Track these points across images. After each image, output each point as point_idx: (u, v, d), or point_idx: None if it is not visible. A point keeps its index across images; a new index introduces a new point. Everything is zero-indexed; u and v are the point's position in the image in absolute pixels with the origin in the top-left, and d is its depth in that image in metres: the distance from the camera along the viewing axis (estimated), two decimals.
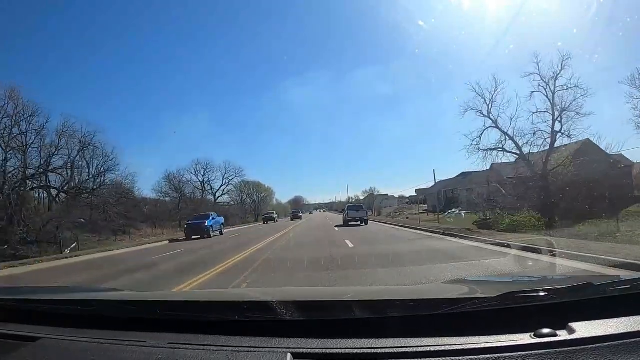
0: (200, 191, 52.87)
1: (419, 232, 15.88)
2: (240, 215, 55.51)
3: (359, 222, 24.08)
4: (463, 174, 39.19)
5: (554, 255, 6.51)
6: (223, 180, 56.35)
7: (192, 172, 51.58)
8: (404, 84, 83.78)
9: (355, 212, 25.18)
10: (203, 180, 53.72)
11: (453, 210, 27.81)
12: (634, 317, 1.00)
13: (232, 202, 61.10)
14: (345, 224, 24.36)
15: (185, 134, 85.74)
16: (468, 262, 7.01)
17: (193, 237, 21.78)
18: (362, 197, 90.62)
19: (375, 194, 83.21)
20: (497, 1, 27.05)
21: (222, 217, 28.20)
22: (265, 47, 77.93)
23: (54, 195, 27.94)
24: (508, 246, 8.35)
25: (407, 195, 79.21)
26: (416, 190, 56.86)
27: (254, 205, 70.54)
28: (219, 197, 55.64)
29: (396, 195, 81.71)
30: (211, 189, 55.01)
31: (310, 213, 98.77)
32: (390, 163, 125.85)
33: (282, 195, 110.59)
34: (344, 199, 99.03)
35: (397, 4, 36.01)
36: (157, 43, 63.16)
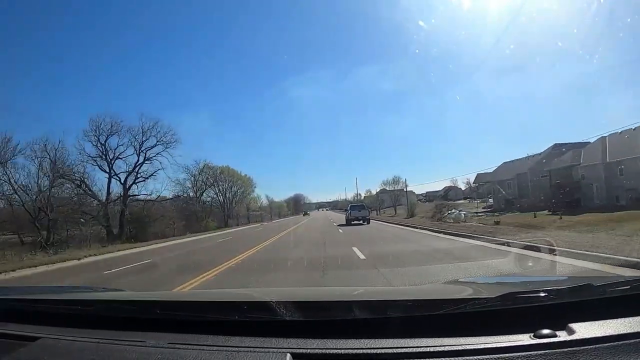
0: (107, 176, 30.67)
1: None
2: (183, 221, 36.68)
3: (361, 221, 25.72)
4: (557, 145, 27.43)
5: None
6: (138, 155, 30.97)
7: (91, 141, 29.39)
8: (408, 81, 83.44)
9: (357, 212, 26.97)
10: (110, 157, 30.15)
11: (452, 210, 27.26)
12: (634, 317, 1.00)
13: (183, 195, 40.32)
14: (348, 222, 26.21)
15: (186, 133, 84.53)
16: None
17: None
18: (374, 192, 73.15)
19: (397, 187, 56.67)
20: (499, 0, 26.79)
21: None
22: (265, 47, 78.06)
23: None
24: None
25: (417, 193, 73.69)
26: (477, 175, 40.52)
27: (224, 204, 50.14)
28: (132, 184, 31.37)
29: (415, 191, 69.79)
30: (112, 171, 30.39)
31: (306, 214, 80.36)
32: (394, 162, 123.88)
33: (283, 194, 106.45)
34: (349, 197, 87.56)
35: (401, 3, 35.67)
36: (156, 42, 63.13)
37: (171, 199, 37.64)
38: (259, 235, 20.55)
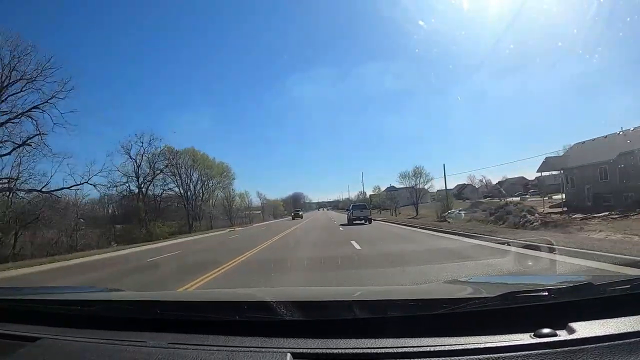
0: None
1: None
2: (123, 224, 28.77)
3: (363, 221, 25.93)
4: None
5: None
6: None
7: None
8: (411, 79, 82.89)
9: (359, 212, 27.37)
10: None
11: (452, 210, 27.11)
12: (634, 317, 1.00)
13: (119, 190, 29.41)
14: (350, 222, 26.30)
15: (187, 131, 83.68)
16: None
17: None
18: (383, 188, 62.09)
19: (419, 181, 42.23)
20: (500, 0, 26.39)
21: None
22: (266, 47, 78.53)
23: None
24: None
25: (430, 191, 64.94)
26: (545, 160, 26.86)
27: (188, 200, 36.90)
28: None
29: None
30: None
31: (297, 216, 50.38)
32: (396, 161, 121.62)
33: (283, 193, 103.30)
34: (353, 195, 79.07)
35: (402, 3, 35.24)
36: (158, 40, 63.09)
37: (68, 188, 23.79)
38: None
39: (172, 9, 59.07)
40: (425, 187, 43.15)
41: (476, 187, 68.80)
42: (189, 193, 38.26)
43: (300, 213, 53.50)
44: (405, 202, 46.48)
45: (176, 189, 37.31)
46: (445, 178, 30.98)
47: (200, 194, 40.07)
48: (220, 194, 45.52)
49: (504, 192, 44.82)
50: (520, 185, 59.30)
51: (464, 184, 68.94)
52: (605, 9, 18.58)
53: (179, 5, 59.11)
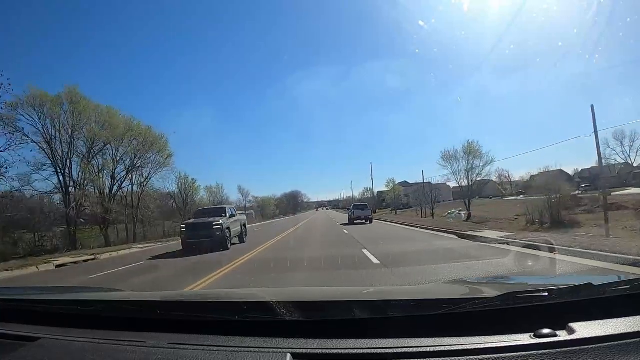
0: None
1: None
2: None
3: (363, 221, 26.02)
4: None
5: None
6: None
7: None
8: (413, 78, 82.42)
9: (360, 212, 27.45)
10: None
11: (452, 210, 27.23)
12: (634, 317, 1.00)
13: None
14: (351, 222, 26.36)
15: (188, 131, 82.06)
16: None
17: None
18: (395, 183, 57.18)
19: (473, 164, 29.77)
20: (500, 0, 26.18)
21: None
22: (265, 48, 78.62)
23: None
24: None
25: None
26: None
27: (69, 191, 18.94)
28: None
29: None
30: None
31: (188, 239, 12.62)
32: (399, 161, 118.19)
33: (282, 192, 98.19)
34: (357, 193, 77.42)
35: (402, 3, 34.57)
36: (158, 40, 63.03)
37: None
38: None
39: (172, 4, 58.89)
40: (482, 173, 30.69)
41: (496, 183, 59.90)
42: (69, 183, 19.48)
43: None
44: (424, 201, 36.35)
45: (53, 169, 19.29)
46: (597, 144, 14.63)
47: (108, 182, 21.92)
48: (171, 185, 27.10)
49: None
50: (562, 180, 53.50)
51: (485, 179, 48.42)
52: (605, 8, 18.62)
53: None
